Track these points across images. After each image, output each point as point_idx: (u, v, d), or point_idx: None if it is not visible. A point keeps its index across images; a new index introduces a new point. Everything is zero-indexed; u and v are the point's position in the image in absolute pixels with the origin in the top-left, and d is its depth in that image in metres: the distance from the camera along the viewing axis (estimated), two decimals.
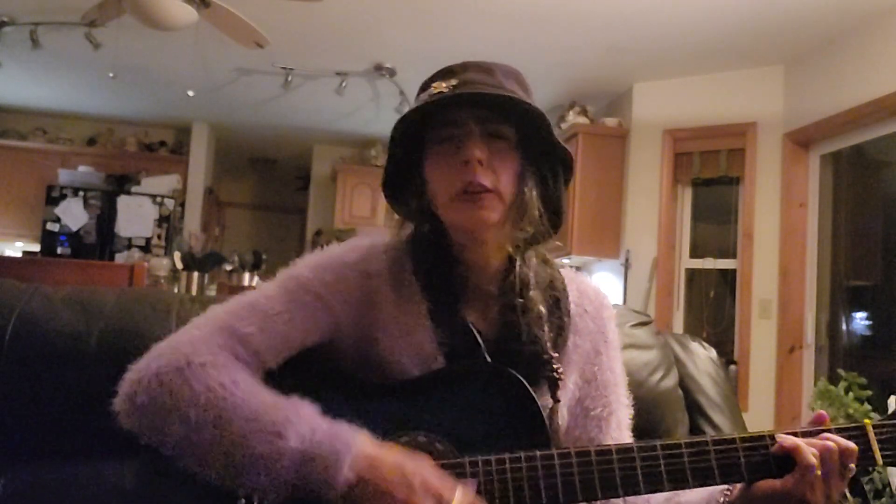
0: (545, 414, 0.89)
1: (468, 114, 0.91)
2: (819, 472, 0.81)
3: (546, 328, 0.95)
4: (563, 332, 0.98)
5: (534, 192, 0.94)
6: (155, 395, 0.80)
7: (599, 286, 1.07)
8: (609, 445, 0.85)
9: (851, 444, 0.83)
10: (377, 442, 0.81)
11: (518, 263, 0.97)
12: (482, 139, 0.91)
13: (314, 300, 0.91)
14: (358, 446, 0.78)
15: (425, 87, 0.96)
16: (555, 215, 0.98)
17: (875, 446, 0.85)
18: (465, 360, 0.92)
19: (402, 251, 0.98)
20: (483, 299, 0.97)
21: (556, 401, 0.93)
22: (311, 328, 0.91)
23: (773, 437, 0.85)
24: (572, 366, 0.98)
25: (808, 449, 0.82)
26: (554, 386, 0.93)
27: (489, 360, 0.92)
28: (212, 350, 0.83)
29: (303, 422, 0.79)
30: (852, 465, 0.83)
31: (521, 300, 0.95)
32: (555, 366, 0.94)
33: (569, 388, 0.97)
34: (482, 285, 0.97)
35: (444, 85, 0.91)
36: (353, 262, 0.94)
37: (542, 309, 0.95)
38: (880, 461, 0.84)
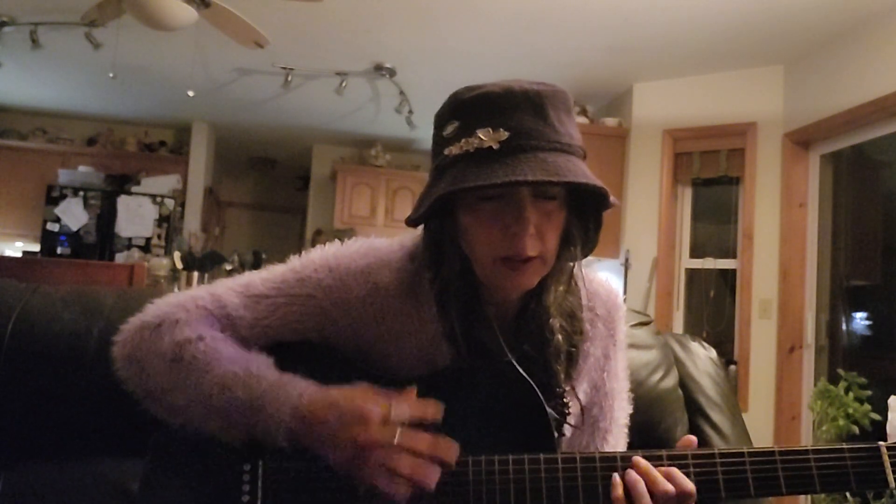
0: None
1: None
2: None
3: (561, 357, 0.92)
4: (575, 356, 0.95)
5: (578, 250, 0.91)
6: (135, 347, 0.88)
7: (611, 284, 1.04)
8: (614, 453, 0.85)
9: (690, 487, 0.80)
10: (320, 389, 0.83)
11: (541, 294, 0.92)
12: (532, 203, 0.83)
13: (307, 298, 0.91)
14: (297, 397, 0.82)
15: (467, 126, 0.83)
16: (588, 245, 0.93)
17: (888, 468, 0.83)
18: (477, 360, 0.91)
19: (419, 262, 0.93)
20: (499, 321, 0.92)
21: (561, 434, 0.92)
22: (296, 320, 0.91)
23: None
24: (582, 375, 0.97)
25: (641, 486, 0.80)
26: (561, 417, 0.91)
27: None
28: (190, 309, 0.89)
29: (251, 375, 0.83)
30: None
31: (538, 330, 0.91)
32: (565, 399, 0.92)
33: (577, 398, 0.96)
34: (501, 309, 0.93)
35: (493, 136, 0.81)
36: (360, 270, 0.91)
37: (560, 338, 0.92)
38: (892, 484, 0.82)
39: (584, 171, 0.82)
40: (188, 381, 0.84)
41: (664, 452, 0.84)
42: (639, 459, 0.83)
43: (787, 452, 0.83)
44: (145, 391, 0.87)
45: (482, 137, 0.81)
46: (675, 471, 0.82)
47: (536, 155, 0.80)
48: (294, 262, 0.95)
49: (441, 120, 0.88)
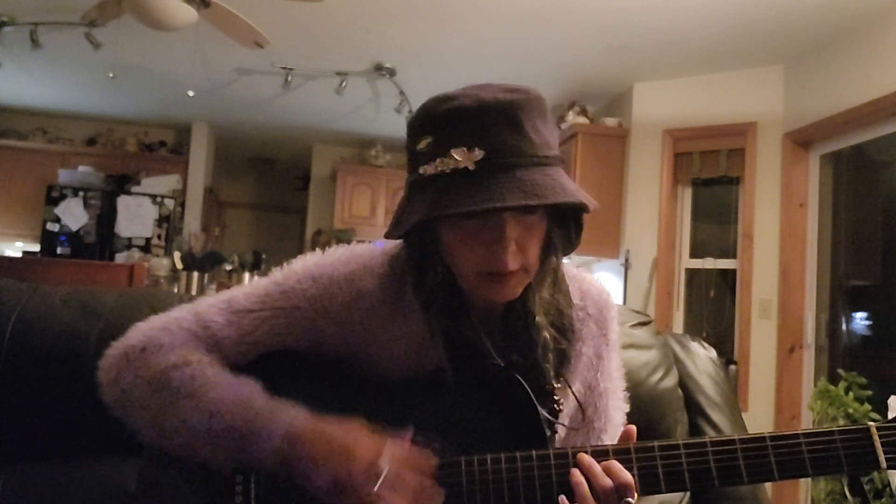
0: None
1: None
2: None
3: (550, 356, 0.91)
4: (566, 355, 0.95)
5: (559, 257, 0.91)
6: (120, 373, 0.86)
7: (602, 284, 1.04)
8: (606, 446, 0.85)
9: (628, 478, 0.80)
10: (313, 416, 0.82)
11: (526, 297, 0.90)
12: (513, 218, 0.82)
13: (292, 309, 0.90)
14: (290, 422, 0.81)
15: (441, 143, 0.81)
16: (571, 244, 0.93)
17: (879, 449, 0.82)
18: (468, 361, 0.90)
19: (403, 267, 0.92)
20: (485, 323, 0.92)
21: (554, 432, 0.91)
22: (282, 332, 0.91)
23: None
24: (575, 375, 0.97)
25: (582, 482, 0.80)
26: (552, 416, 0.91)
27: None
28: (174, 332, 0.88)
29: (240, 400, 0.83)
30: (630, 499, 0.80)
31: (525, 329, 0.90)
32: (556, 396, 0.92)
33: (570, 398, 0.96)
34: (486, 312, 0.92)
35: (468, 156, 0.79)
36: (343, 278, 0.91)
37: (547, 336, 0.91)
38: (884, 464, 0.82)
39: (562, 185, 0.80)
40: (174, 408, 0.83)
41: (655, 443, 0.84)
42: (582, 456, 0.82)
43: (778, 437, 0.83)
44: (131, 417, 0.86)
45: (457, 158, 0.79)
46: (615, 464, 0.82)
47: (514, 174, 0.78)
48: (276, 274, 0.94)
49: (414, 132, 0.85)
